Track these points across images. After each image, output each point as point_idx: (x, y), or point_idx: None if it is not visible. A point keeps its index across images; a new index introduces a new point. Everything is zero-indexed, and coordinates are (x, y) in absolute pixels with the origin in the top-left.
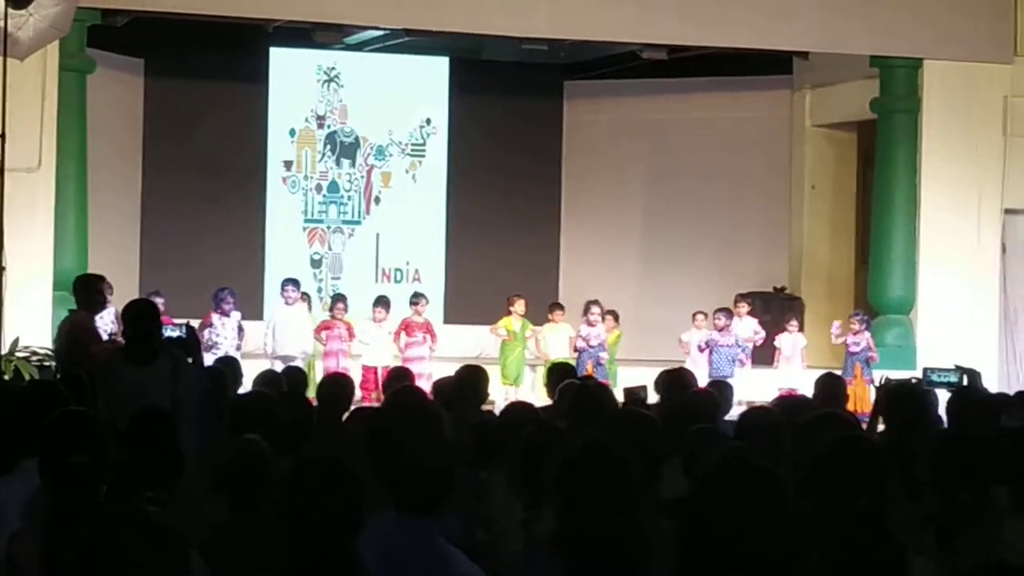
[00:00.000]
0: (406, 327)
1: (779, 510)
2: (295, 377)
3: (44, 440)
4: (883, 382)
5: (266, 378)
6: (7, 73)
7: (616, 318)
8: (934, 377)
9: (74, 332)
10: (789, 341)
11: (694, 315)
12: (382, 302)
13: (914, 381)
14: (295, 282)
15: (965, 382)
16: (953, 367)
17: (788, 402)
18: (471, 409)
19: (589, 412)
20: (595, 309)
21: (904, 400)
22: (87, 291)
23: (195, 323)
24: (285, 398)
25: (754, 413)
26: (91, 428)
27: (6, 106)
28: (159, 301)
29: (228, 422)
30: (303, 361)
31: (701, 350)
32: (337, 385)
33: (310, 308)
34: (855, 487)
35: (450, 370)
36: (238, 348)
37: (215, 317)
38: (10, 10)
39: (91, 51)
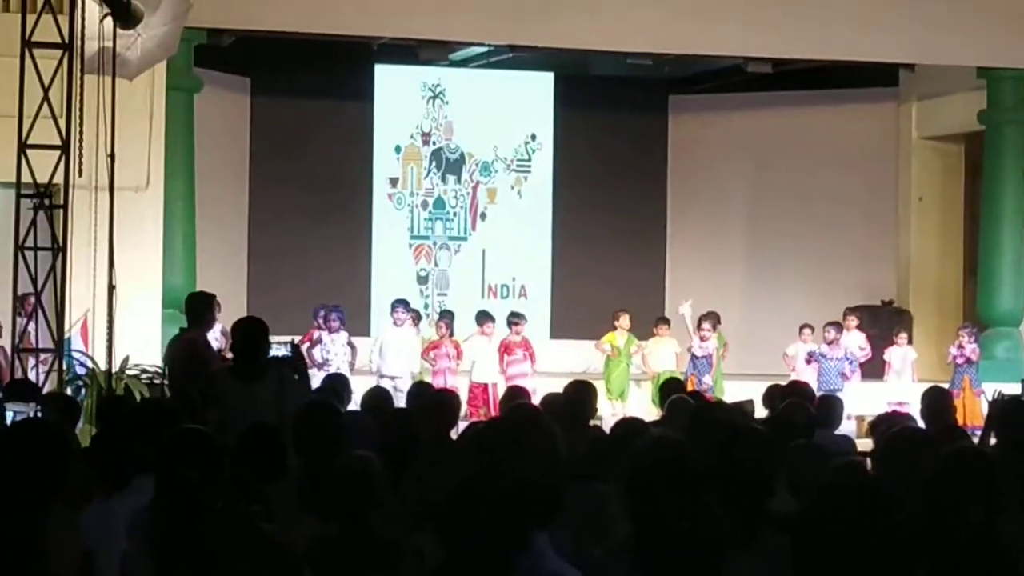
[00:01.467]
0: (505, 348)
1: (891, 525)
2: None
3: (160, 456)
4: (996, 396)
5: (374, 395)
6: (116, 93)
7: (718, 320)
8: None
9: (192, 350)
10: (899, 354)
11: (800, 329)
12: (488, 317)
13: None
14: (405, 303)
15: None
16: None
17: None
18: (580, 425)
19: (697, 426)
20: (706, 324)
21: (1015, 414)
22: (200, 309)
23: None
24: (394, 415)
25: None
26: (206, 445)
27: (115, 125)
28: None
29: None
30: (411, 380)
31: (808, 362)
32: (442, 401)
33: (418, 327)
34: (967, 500)
35: (555, 386)
36: (351, 365)
37: (324, 334)
38: (119, 30)
39: (198, 70)
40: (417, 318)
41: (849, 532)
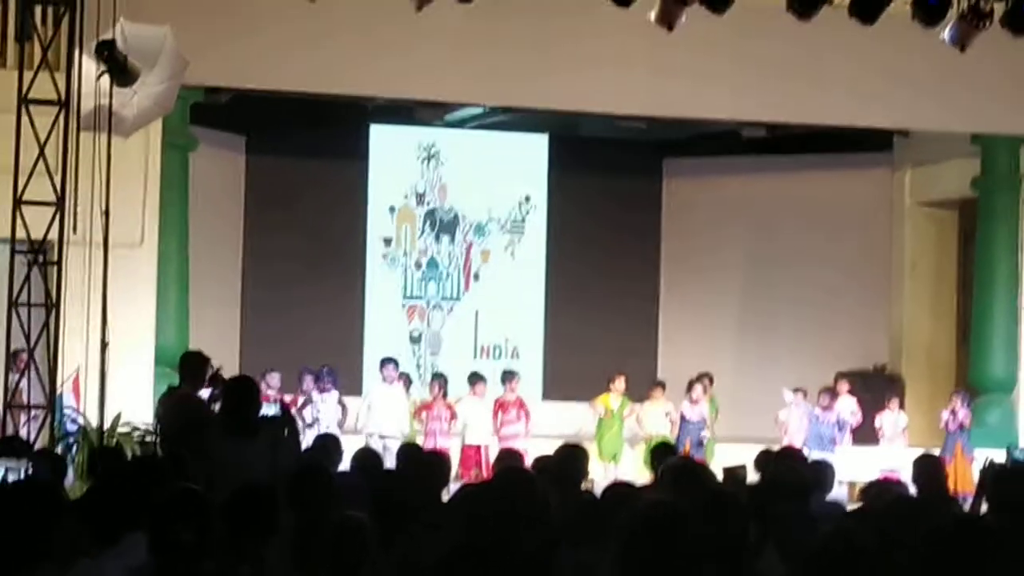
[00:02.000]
0: (500, 406)
1: None
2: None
3: (154, 516)
4: (986, 464)
5: (365, 455)
6: (111, 150)
7: (711, 381)
8: (1019, 455)
9: (184, 407)
10: (890, 420)
11: (793, 392)
12: (480, 378)
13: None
14: (394, 361)
15: None
16: None
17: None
18: (572, 487)
19: (688, 491)
20: (698, 387)
21: (1008, 480)
22: (195, 368)
23: (288, 398)
24: (385, 476)
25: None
26: (200, 506)
27: (110, 182)
28: (276, 376)
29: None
30: (400, 441)
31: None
32: (433, 463)
33: (408, 388)
34: (973, 570)
35: (547, 448)
36: (340, 425)
37: (315, 393)
38: (115, 88)
39: (194, 128)
40: (408, 381)
41: None
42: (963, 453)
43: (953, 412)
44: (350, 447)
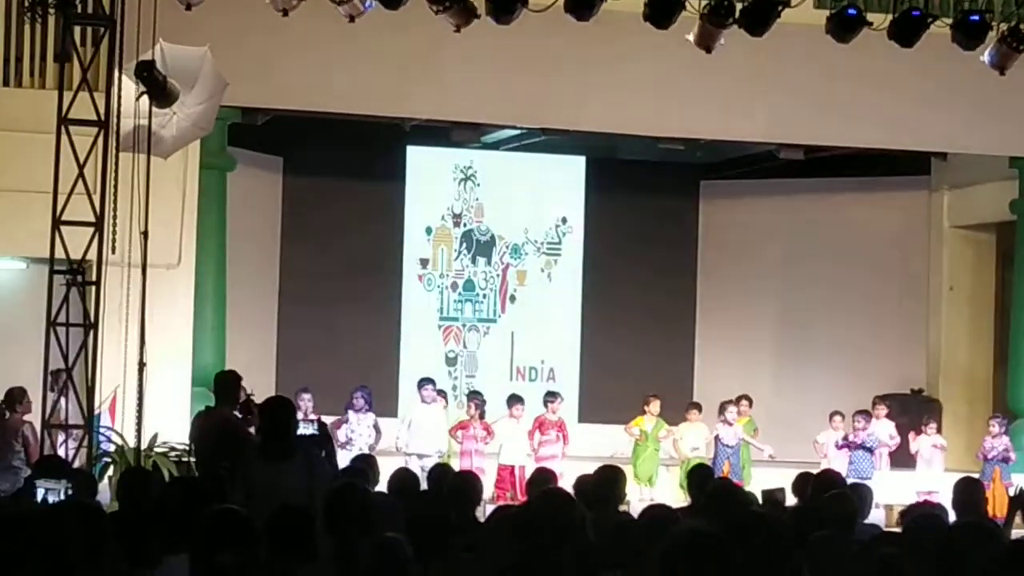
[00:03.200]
0: (540, 425)
1: None
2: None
3: (197, 538)
4: (1019, 491)
5: (401, 477)
6: (150, 171)
7: (750, 403)
8: None
9: (222, 427)
10: (927, 443)
11: (831, 416)
12: (518, 399)
13: None
14: (432, 381)
15: None
16: None
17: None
18: (610, 509)
19: (723, 513)
20: (731, 409)
21: None
22: (229, 387)
23: (328, 419)
24: (420, 497)
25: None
26: (243, 527)
27: (148, 203)
28: (307, 397)
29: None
30: (438, 460)
31: (839, 447)
32: (464, 482)
33: (447, 405)
34: None
35: (583, 469)
36: (371, 448)
37: (351, 414)
38: (154, 109)
39: (231, 149)
40: (444, 396)
41: None
42: (1000, 479)
43: (993, 438)
44: (386, 468)
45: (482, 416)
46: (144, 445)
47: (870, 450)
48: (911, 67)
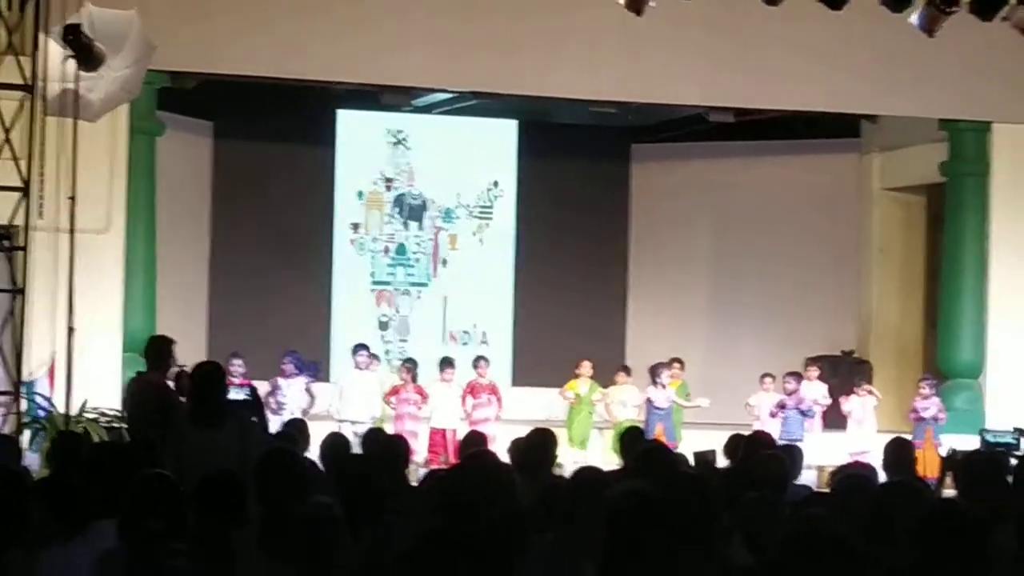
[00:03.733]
0: (472, 389)
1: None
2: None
3: (125, 502)
4: (950, 452)
5: (333, 442)
6: (77, 135)
7: (681, 365)
8: (990, 438)
9: (151, 393)
10: (859, 404)
11: (762, 378)
12: (449, 363)
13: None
14: (366, 347)
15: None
16: (1011, 429)
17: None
18: (542, 472)
19: (656, 475)
20: (664, 372)
21: (974, 467)
22: (159, 353)
23: (260, 384)
24: (351, 461)
25: (853, 478)
26: (172, 492)
27: (77, 168)
28: (238, 363)
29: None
30: (371, 425)
31: (773, 415)
32: (394, 446)
33: (377, 371)
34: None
35: (517, 433)
36: (304, 412)
37: (280, 380)
38: (82, 72)
39: (161, 113)
40: (377, 360)
41: None
42: (932, 440)
43: (924, 399)
44: (318, 433)
45: (415, 380)
46: (74, 411)
47: (803, 412)
48: (840, 30)
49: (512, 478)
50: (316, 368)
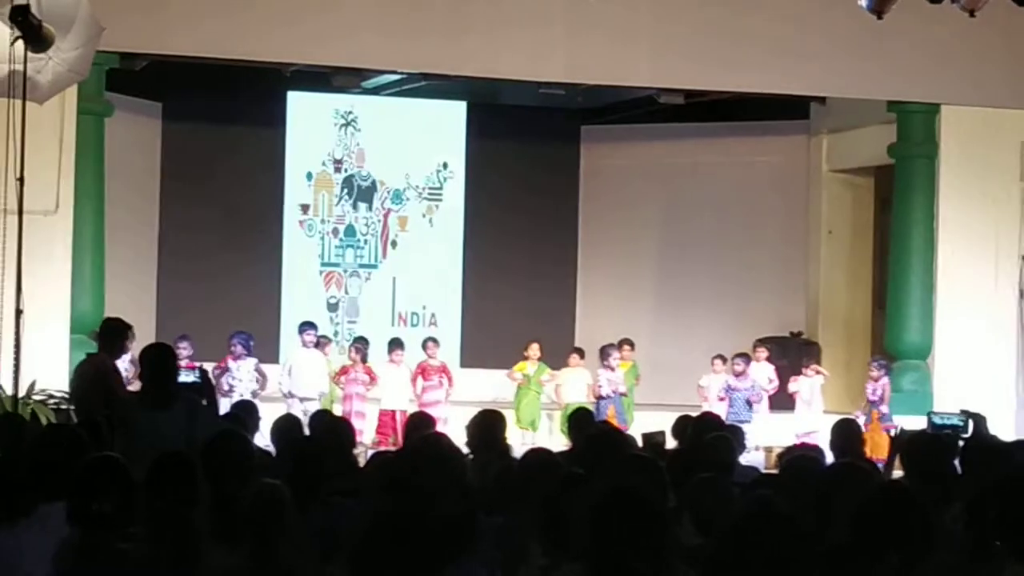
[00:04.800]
0: (423, 371)
1: (803, 557)
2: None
3: (73, 486)
4: (898, 432)
5: (284, 423)
6: (25, 116)
7: (631, 346)
8: (937, 420)
9: (99, 375)
10: (807, 384)
11: (713, 360)
12: (398, 344)
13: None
14: (313, 325)
15: (971, 427)
16: (959, 412)
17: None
18: (490, 454)
19: (605, 457)
20: (615, 354)
21: (924, 448)
22: (114, 336)
23: (209, 366)
24: (301, 443)
25: (800, 459)
26: (120, 475)
27: (24, 149)
28: (185, 346)
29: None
30: (319, 403)
31: (721, 399)
32: (337, 427)
33: (327, 352)
34: (892, 540)
35: (466, 414)
36: (254, 394)
37: (230, 361)
38: (29, 53)
39: (109, 95)
40: (327, 342)
41: (759, 566)
42: (879, 421)
43: (874, 381)
44: (269, 414)
45: (364, 360)
46: (22, 393)
47: (748, 402)
48: (790, 11)
49: (462, 460)
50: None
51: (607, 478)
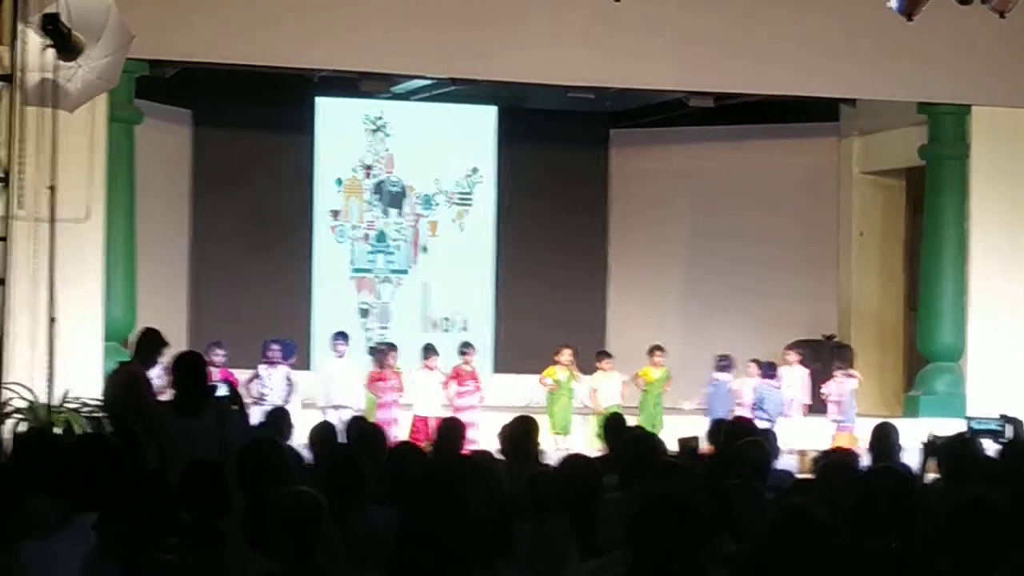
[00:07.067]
0: (457, 376)
1: (838, 563)
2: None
3: (113, 498)
4: (930, 439)
5: (321, 430)
6: (57, 124)
7: (662, 351)
8: (976, 425)
9: (132, 383)
10: (837, 387)
11: (748, 363)
12: (433, 350)
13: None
14: (345, 335)
15: (1009, 432)
16: (998, 416)
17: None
18: (525, 460)
19: (640, 462)
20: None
21: (955, 455)
22: (151, 348)
23: (243, 375)
24: (338, 449)
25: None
26: (159, 485)
27: (56, 157)
28: (220, 352)
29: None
30: (355, 412)
31: (755, 408)
32: (372, 434)
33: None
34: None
35: (498, 419)
36: (285, 401)
37: (262, 368)
38: (60, 62)
39: (139, 102)
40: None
41: (796, 571)
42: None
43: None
44: (302, 422)
45: (393, 366)
46: (56, 401)
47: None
48: (820, 13)
49: (495, 466)
50: (280, 348)
51: (642, 483)
